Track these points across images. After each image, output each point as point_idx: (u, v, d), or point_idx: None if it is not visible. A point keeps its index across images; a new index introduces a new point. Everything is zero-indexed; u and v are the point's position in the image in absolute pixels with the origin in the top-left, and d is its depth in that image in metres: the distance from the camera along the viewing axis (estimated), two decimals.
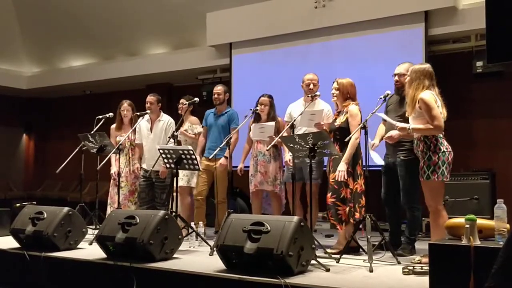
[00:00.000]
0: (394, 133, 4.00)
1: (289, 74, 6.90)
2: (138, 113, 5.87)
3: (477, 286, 2.71)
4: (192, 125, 5.81)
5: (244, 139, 5.69)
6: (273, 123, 5.17)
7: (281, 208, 5.36)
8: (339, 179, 4.39)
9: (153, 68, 8.91)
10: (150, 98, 5.85)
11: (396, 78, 4.53)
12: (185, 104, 5.70)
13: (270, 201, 5.44)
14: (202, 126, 5.84)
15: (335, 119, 4.69)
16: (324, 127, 4.69)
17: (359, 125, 4.47)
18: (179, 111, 5.83)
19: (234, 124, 5.59)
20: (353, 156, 4.44)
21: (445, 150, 3.79)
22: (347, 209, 4.40)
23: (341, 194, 4.42)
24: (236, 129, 5.37)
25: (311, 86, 5.10)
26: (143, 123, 5.86)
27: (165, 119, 5.83)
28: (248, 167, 5.52)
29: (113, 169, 5.94)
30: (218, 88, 5.74)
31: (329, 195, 4.47)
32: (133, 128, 5.82)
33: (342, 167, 4.38)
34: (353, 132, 4.33)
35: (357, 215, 4.37)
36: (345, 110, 4.59)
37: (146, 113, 5.76)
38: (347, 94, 4.61)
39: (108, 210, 5.83)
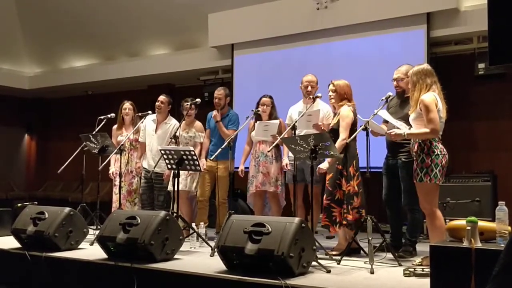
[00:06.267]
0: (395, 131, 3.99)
1: (291, 75, 6.90)
2: (140, 114, 5.86)
3: None
4: (197, 133, 5.69)
5: (244, 141, 5.70)
6: (277, 121, 5.20)
7: (280, 209, 5.36)
8: (318, 174, 4.49)
9: (154, 69, 8.92)
10: (162, 98, 5.81)
11: (395, 83, 4.53)
12: (187, 105, 5.66)
13: (268, 202, 5.43)
14: (205, 129, 5.83)
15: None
16: (323, 128, 4.69)
17: (353, 127, 4.50)
18: (184, 115, 5.75)
19: (231, 126, 5.59)
20: (347, 157, 4.44)
21: (439, 153, 3.76)
22: (342, 210, 4.40)
23: (335, 196, 4.42)
24: (237, 131, 5.37)
25: (309, 88, 5.10)
26: (148, 122, 5.83)
27: (172, 123, 5.78)
28: (247, 168, 5.52)
29: (112, 169, 5.95)
30: (220, 93, 5.72)
31: (325, 197, 4.48)
32: (135, 128, 5.81)
33: (324, 165, 4.45)
34: (354, 134, 4.34)
35: (349, 216, 4.35)
36: (338, 112, 4.60)
37: (148, 113, 5.75)
38: (344, 95, 4.62)
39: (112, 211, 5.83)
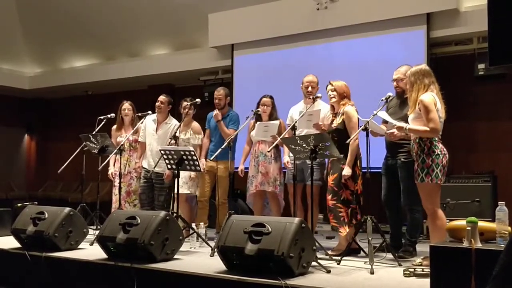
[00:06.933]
0: (395, 130, 4.00)
1: (291, 75, 6.90)
2: (139, 114, 5.86)
3: None
4: (194, 134, 5.64)
5: (244, 141, 5.70)
6: (277, 122, 5.20)
7: (280, 209, 5.36)
8: (344, 181, 4.42)
9: (155, 69, 8.93)
10: (162, 98, 5.79)
11: (395, 83, 4.54)
12: (187, 105, 5.65)
13: (268, 202, 5.43)
14: (205, 129, 5.83)
15: (332, 120, 4.70)
16: (323, 127, 4.70)
17: (358, 126, 4.49)
18: (183, 115, 5.72)
19: (232, 125, 5.60)
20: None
21: (439, 153, 3.77)
22: (349, 210, 4.41)
23: (341, 196, 4.42)
24: (237, 131, 5.37)
25: (310, 88, 5.11)
26: (149, 122, 5.81)
27: (173, 123, 5.76)
28: (247, 168, 5.52)
29: (111, 170, 5.95)
30: (220, 93, 5.73)
31: (329, 197, 4.47)
32: (134, 129, 5.81)
33: (347, 171, 4.39)
34: (354, 134, 4.33)
35: (359, 216, 4.39)
36: (341, 111, 4.60)
37: (148, 113, 5.75)
38: (343, 94, 4.62)
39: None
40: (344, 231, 4.42)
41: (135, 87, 9.58)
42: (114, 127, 6.14)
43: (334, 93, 4.63)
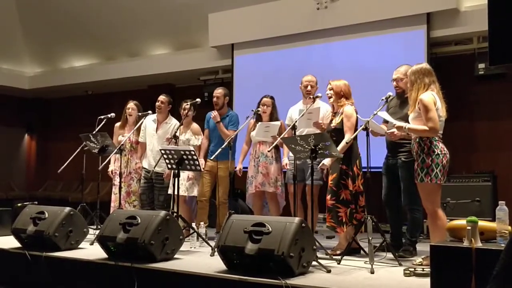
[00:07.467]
0: (396, 130, 4.00)
1: (291, 75, 6.90)
2: (140, 113, 5.86)
3: None
4: (193, 135, 5.64)
5: (244, 140, 5.70)
6: (278, 122, 5.20)
7: (279, 210, 5.36)
8: (319, 170, 4.52)
9: (155, 69, 8.93)
10: (162, 97, 5.81)
11: (395, 83, 4.54)
12: (188, 104, 5.64)
13: (267, 202, 5.43)
14: (204, 129, 5.83)
15: (331, 120, 4.70)
16: (323, 126, 4.70)
17: (355, 126, 4.49)
18: (182, 116, 5.69)
19: (232, 126, 5.59)
20: (350, 157, 4.44)
21: (439, 152, 3.76)
22: (348, 210, 4.40)
23: (340, 195, 4.42)
24: (237, 131, 5.36)
25: (309, 88, 5.11)
26: (149, 122, 5.82)
27: (173, 122, 5.77)
28: (246, 167, 5.52)
29: (111, 167, 5.96)
30: (218, 92, 5.73)
31: (328, 197, 4.47)
32: (135, 128, 5.81)
33: (327, 162, 4.43)
34: (354, 134, 4.34)
35: (359, 216, 4.39)
36: (340, 111, 4.60)
37: (148, 113, 5.75)
38: (341, 93, 4.61)
39: (111, 211, 5.82)
40: (341, 231, 4.41)
41: (135, 87, 9.58)
42: (118, 124, 6.15)
43: (331, 92, 4.63)
